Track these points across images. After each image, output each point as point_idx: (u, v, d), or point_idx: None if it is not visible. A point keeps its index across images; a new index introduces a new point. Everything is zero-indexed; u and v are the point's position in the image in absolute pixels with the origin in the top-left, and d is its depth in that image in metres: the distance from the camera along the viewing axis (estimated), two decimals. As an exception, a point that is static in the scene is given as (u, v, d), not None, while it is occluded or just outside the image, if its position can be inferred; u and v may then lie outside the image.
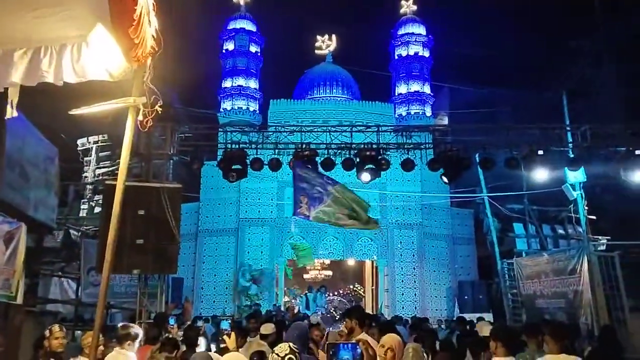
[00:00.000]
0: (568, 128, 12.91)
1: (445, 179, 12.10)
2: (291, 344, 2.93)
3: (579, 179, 13.07)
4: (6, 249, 6.65)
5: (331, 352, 2.78)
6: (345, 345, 2.82)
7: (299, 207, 9.93)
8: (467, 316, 13.86)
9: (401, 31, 25.25)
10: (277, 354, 2.87)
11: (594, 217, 15.60)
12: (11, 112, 3.36)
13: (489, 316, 16.86)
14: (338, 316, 17.40)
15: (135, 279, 10.41)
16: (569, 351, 4.60)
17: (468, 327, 10.34)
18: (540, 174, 12.35)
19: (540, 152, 11.48)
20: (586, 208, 13.76)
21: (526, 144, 11.78)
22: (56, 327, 4.87)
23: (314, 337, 6.14)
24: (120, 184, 3.10)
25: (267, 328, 6.27)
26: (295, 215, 10.29)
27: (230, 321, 10.84)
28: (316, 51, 26.54)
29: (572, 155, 12.20)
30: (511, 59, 29.48)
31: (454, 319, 15.21)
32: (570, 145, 12.35)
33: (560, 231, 19.40)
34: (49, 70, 3.03)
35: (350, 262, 22.77)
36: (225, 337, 5.87)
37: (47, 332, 4.68)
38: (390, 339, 3.90)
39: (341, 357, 2.77)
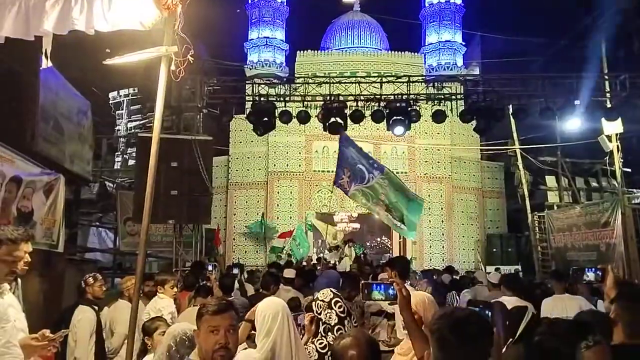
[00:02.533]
0: (606, 77, 12.40)
1: (477, 132, 11.85)
2: (333, 289, 3.02)
3: (616, 130, 12.65)
4: (46, 199, 6.88)
5: (365, 291, 2.84)
6: (379, 285, 2.86)
7: (341, 179, 9.68)
8: (495, 268, 13.90)
9: (432, -23, 24.32)
10: (322, 300, 2.93)
11: (629, 170, 15.18)
12: (46, 63, 3.42)
13: (517, 268, 16.90)
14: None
15: (171, 229, 10.71)
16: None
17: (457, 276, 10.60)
18: (576, 125, 11.98)
19: (577, 102, 11.10)
20: (621, 160, 13.37)
21: (561, 94, 11.40)
22: (98, 275, 5.09)
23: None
24: (155, 136, 3.14)
25: (289, 272, 6.47)
26: (335, 185, 9.92)
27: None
28: (343, 0, 25.85)
29: (609, 105, 11.77)
30: (547, 5, 28.17)
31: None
32: (608, 94, 11.90)
33: (594, 184, 18.97)
34: (80, 18, 3.04)
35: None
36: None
37: (90, 279, 4.89)
38: (414, 299, 3.73)
39: (374, 297, 2.83)
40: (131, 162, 18.83)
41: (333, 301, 2.96)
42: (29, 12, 3.07)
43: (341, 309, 3.02)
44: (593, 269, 4.05)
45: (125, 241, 12.79)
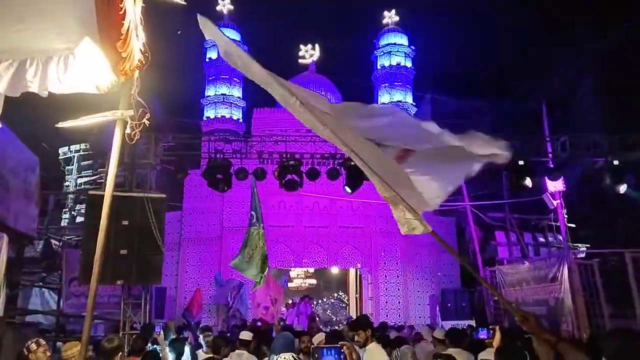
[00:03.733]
0: (547, 138, 13.15)
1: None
2: (293, 354, 2.94)
3: (558, 188, 13.32)
4: (-13, 260, 6.56)
5: (316, 356, 2.82)
6: (329, 350, 2.86)
7: (253, 219, 12.39)
8: (451, 323, 13.97)
9: (383, 41, 25.55)
10: None
11: (573, 225, 15.86)
12: (-4, 124, 3.34)
13: (471, 323, 17.02)
14: (322, 325, 17.36)
15: (119, 289, 10.31)
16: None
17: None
18: (521, 184, 12.57)
19: (521, 162, 11.68)
20: (566, 216, 14.01)
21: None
22: (41, 341, 4.81)
23: (302, 347, 6.14)
24: (108, 196, 3.09)
25: (245, 335, 6.31)
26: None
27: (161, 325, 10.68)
28: (300, 60, 26.70)
29: (551, 165, 12.43)
30: (492, 69, 29.99)
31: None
32: (550, 155, 12.59)
33: (541, 239, 19.68)
34: (34, 80, 3.03)
35: (334, 270, 22.78)
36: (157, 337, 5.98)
37: (33, 345, 4.61)
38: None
39: None
40: (79, 219, 18.19)
41: None
42: (-19, 74, 3.04)
43: None
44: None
45: (70, 302, 12.20)
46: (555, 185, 13.09)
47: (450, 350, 5.48)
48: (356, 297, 22.32)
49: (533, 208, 17.60)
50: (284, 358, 2.86)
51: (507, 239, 18.71)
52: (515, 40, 31.39)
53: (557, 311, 12.86)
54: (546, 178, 12.76)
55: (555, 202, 13.73)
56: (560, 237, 15.49)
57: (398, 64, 24.84)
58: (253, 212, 12.14)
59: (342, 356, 2.78)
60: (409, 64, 25.06)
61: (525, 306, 14.34)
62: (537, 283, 13.84)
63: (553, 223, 15.98)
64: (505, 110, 22.01)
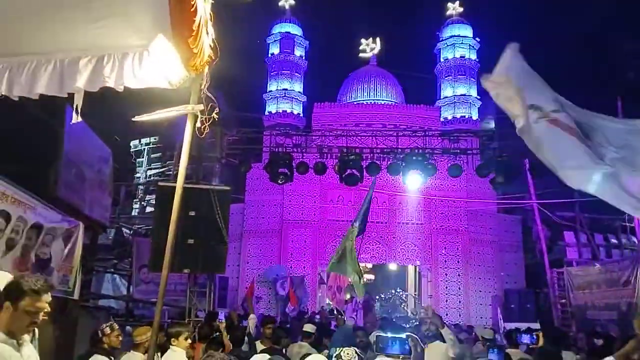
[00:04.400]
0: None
1: (493, 188, 11.84)
2: (356, 349, 2.94)
3: (634, 187, 12.54)
4: (65, 246, 6.97)
5: (380, 345, 2.83)
6: (394, 340, 2.86)
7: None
8: (514, 325, 13.51)
9: (447, 33, 24.95)
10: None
11: (650, 227, 14.89)
12: (76, 118, 3.52)
13: (536, 326, 16.41)
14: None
15: (185, 277, 10.69)
16: None
17: None
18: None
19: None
20: (642, 217, 13.19)
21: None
22: (115, 325, 5.09)
23: (358, 342, 6.15)
24: (179, 188, 3.21)
25: (309, 327, 6.38)
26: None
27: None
28: (360, 54, 26.57)
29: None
30: (561, 61, 28.59)
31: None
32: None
33: (614, 240, 18.64)
34: (111, 75, 3.17)
35: (393, 266, 22.60)
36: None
37: (107, 329, 4.89)
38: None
39: (388, 351, 2.84)
40: (149, 209, 19.01)
41: None
42: (64, 70, 3.21)
43: None
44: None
45: (139, 289, 12.77)
46: (631, 184, 12.34)
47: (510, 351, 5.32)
48: (415, 295, 22.04)
49: (605, 207, 16.67)
50: (347, 353, 2.86)
51: (576, 240, 17.86)
52: (586, 30, 29.77)
53: (629, 317, 12.14)
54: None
55: (630, 202, 12.94)
56: (635, 239, 14.60)
57: (462, 57, 24.21)
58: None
59: (407, 346, 2.77)
60: (473, 56, 24.36)
61: (595, 310, 13.67)
62: (609, 286, 13.13)
63: (627, 224, 15.08)
64: (576, 104, 20.92)
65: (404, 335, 3.07)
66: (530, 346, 6.78)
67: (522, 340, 7.34)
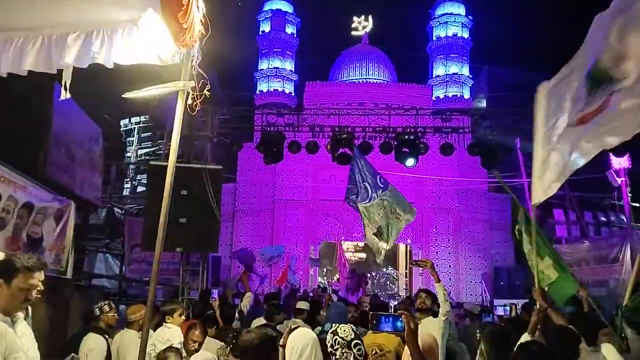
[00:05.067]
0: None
1: (484, 167, 11.91)
2: (353, 326, 2.87)
3: (623, 165, 12.66)
4: (56, 225, 6.95)
5: (374, 322, 2.85)
6: (387, 317, 2.88)
7: (352, 195, 9.52)
8: (503, 302, 13.73)
9: (440, 11, 24.74)
10: (341, 337, 2.76)
11: (638, 205, 15.10)
12: (64, 95, 3.47)
13: (526, 302, 16.66)
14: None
15: (177, 256, 10.71)
16: None
17: None
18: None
19: (584, 137, 11.14)
20: (630, 195, 13.35)
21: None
22: (112, 304, 5.13)
23: (349, 317, 6.21)
24: (171, 167, 3.19)
25: (302, 304, 6.46)
26: (346, 201, 9.79)
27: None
28: (352, 32, 26.31)
29: (617, 140, 11.82)
30: (554, 38, 28.50)
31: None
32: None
33: (603, 218, 18.87)
34: (100, 51, 3.11)
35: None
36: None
37: (106, 307, 4.94)
38: (421, 341, 3.35)
39: (382, 328, 2.86)
40: (140, 188, 18.93)
41: (353, 343, 2.71)
42: (52, 46, 3.15)
43: (360, 352, 2.75)
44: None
45: (132, 268, 12.79)
46: (620, 162, 12.47)
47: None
48: (406, 273, 22.27)
49: (595, 186, 16.84)
50: (344, 330, 2.79)
51: (566, 218, 18.06)
52: (578, 8, 29.59)
53: (618, 293, 12.37)
54: (611, 154, 12.16)
55: (619, 180, 13.09)
56: (624, 217, 14.79)
57: (454, 35, 24.04)
58: (366, 184, 9.87)
59: (399, 324, 2.80)
60: (465, 35, 24.21)
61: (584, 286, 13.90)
62: (597, 263, 13.33)
63: (616, 202, 15.26)
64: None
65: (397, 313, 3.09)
66: (504, 317, 7.26)
67: (497, 313, 7.94)
